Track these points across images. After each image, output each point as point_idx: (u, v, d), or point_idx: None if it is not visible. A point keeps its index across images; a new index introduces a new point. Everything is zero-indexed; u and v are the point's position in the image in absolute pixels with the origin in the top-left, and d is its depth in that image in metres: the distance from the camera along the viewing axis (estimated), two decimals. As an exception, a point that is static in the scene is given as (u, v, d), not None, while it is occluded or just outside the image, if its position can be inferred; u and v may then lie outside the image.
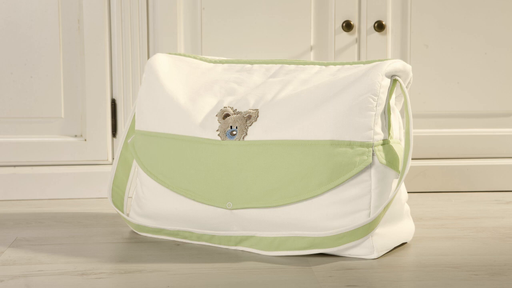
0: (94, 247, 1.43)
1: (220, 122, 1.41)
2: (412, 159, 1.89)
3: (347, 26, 1.87)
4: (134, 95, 1.87)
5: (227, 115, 1.41)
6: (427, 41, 1.91)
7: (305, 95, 1.37)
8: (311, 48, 1.90)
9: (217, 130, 1.40)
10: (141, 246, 1.44)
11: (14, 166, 1.88)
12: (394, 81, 1.37)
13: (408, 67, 1.39)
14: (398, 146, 1.38)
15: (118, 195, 1.57)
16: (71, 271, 1.28)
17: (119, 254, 1.39)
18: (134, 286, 1.21)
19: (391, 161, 1.35)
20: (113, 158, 1.86)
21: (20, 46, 1.85)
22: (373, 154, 1.33)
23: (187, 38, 1.88)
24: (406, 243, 1.44)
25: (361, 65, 1.40)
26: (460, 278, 1.24)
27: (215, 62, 1.54)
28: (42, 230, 1.56)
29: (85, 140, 1.88)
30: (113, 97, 1.88)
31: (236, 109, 1.41)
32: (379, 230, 1.35)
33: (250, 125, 1.39)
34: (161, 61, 1.53)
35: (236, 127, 1.39)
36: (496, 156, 1.95)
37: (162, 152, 1.46)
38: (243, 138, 1.38)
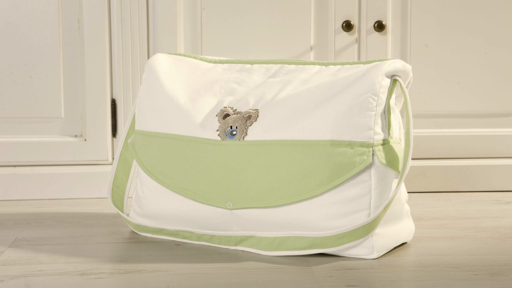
0: (94, 247, 1.43)
1: (220, 122, 1.41)
2: (412, 159, 1.89)
3: (347, 26, 1.87)
4: (134, 95, 1.87)
5: (227, 115, 1.41)
6: (427, 41, 1.91)
7: (305, 95, 1.37)
8: (311, 48, 1.90)
9: (217, 130, 1.40)
10: (141, 246, 1.44)
11: (14, 166, 1.88)
12: (394, 81, 1.37)
13: (408, 67, 1.39)
14: (398, 146, 1.38)
15: (118, 195, 1.57)
16: (71, 271, 1.28)
17: (119, 254, 1.39)
18: (134, 286, 1.21)
19: (391, 161, 1.35)
20: (113, 158, 1.86)
21: (20, 46, 1.85)
22: (373, 154, 1.33)
23: (187, 38, 1.88)
24: (406, 243, 1.44)
25: (361, 65, 1.40)
26: (460, 278, 1.24)
27: (215, 62, 1.54)
28: (42, 230, 1.56)
29: (85, 140, 1.88)
30: (113, 97, 1.88)
31: (236, 109, 1.41)
32: (379, 230, 1.35)
33: (250, 125, 1.39)
34: (161, 61, 1.53)
35: (236, 127, 1.39)
36: (496, 156, 1.95)
37: (162, 152, 1.46)
38: (243, 138, 1.38)
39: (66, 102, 1.88)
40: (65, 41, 1.86)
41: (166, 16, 1.86)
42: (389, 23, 1.90)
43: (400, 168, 1.37)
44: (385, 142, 1.36)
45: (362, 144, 1.33)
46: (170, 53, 1.56)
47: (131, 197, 1.82)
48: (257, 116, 1.39)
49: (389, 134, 1.37)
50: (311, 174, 1.34)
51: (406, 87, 1.41)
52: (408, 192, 1.90)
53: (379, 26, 1.88)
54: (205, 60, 1.55)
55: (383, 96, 1.35)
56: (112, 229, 1.56)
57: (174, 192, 1.44)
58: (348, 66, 1.42)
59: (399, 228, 1.41)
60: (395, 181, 1.37)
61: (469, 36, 1.92)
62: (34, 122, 1.88)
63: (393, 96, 1.39)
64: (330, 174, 1.33)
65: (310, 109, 1.35)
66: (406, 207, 1.44)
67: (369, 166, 1.33)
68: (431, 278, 1.24)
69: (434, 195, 1.91)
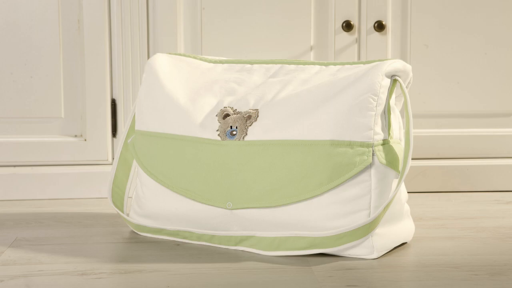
0: (94, 247, 1.43)
1: (220, 122, 1.41)
2: (412, 159, 1.89)
3: (347, 26, 1.87)
4: (134, 95, 1.87)
5: (227, 115, 1.41)
6: (427, 41, 1.91)
7: (305, 95, 1.37)
8: (311, 48, 1.90)
9: (217, 130, 1.40)
10: (141, 246, 1.44)
11: (14, 166, 1.88)
12: (394, 81, 1.37)
13: (408, 67, 1.39)
14: (398, 146, 1.38)
15: (118, 195, 1.57)
16: (71, 271, 1.28)
17: (119, 254, 1.39)
18: (134, 286, 1.21)
19: (391, 161, 1.35)
20: (113, 158, 1.86)
21: (20, 46, 1.85)
22: (373, 154, 1.33)
23: (187, 38, 1.88)
24: (406, 243, 1.44)
25: (361, 65, 1.40)
26: (460, 278, 1.24)
27: (215, 62, 1.54)
28: (42, 230, 1.55)
29: (85, 140, 1.88)
30: (113, 97, 1.88)
31: (236, 109, 1.41)
32: (379, 230, 1.35)
33: (250, 125, 1.39)
34: (161, 61, 1.53)
35: (236, 127, 1.39)
36: (496, 156, 1.95)
37: (162, 152, 1.46)
38: (243, 138, 1.38)
39: (66, 102, 1.88)
40: (65, 41, 1.86)
41: (166, 16, 1.86)
42: (389, 23, 1.90)
43: (400, 168, 1.37)
44: (385, 142, 1.36)
45: (362, 144, 1.33)
46: (170, 53, 1.56)
47: (131, 197, 1.82)
48: (257, 116, 1.39)
49: (389, 134, 1.37)
50: (311, 174, 1.34)
51: (406, 87, 1.41)
52: (408, 192, 1.90)
53: (379, 26, 1.88)
54: (205, 60, 1.55)
55: (383, 96, 1.35)
56: (112, 229, 1.56)
57: (174, 192, 1.44)
58: (348, 66, 1.42)
59: (399, 228, 1.41)
60: (395, 181, 1.37)
61: (469, 36, 1.92)
62: (34, 122, 1.88)
63: (393, 96, 1.39)
64: (330, 174, 1.33)
65: (310, 109, 1.35)
66: (406, 207, 1.44)
67: (369, 166, 1.33)
68: (431, 278, 1.24)
69: (434, 195, 1.91)
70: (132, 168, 1.58)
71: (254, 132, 1.38)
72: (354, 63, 1.42)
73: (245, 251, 1.40)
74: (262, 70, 1.48)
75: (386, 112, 1.37)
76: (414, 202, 1.79)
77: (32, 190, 1.87)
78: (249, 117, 1.39)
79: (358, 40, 1.89)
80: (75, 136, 1.89)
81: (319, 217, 1.34)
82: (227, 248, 1.41)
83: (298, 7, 1.88)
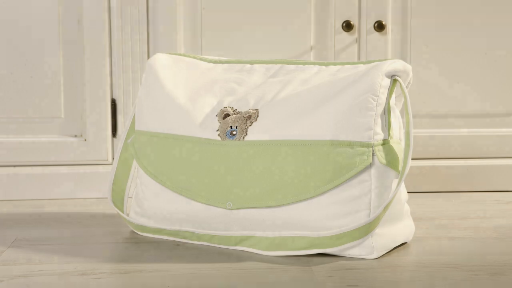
0: (94, 247, 1.43)
1: (220, 122, 1.41)
2: (412, 159, 1.89)
3: (347, 26, 1.87)
4: (134, 95, 1.87)
5: (227, 115, 1.41)
6: (427, 41, 1.91)
7: (305, 95, 1.37)
8: (311, 48, 1.90)
9: (217, 130, 1.41)
10: (141, 246, 1.44)
11: (14, 166, 1.88)
12: (394, 81, 1.37)
13: (408, 67, 1.39)
14: (398, 146, 1.38)
15: (118, 195, 1.57)
16: (71, 271, 1.28)
17: (119, 254, 1.39)
18: (134, 286, 1.21)
19: (391, 161, 1.35)
20: (113, 158, 1.86)
21: (20, 46, 1.85)
22: (373, 154, 1.33)
23: (187, 38, 1.88)
24: (406, 243, 1.44)
25: (361, 65, 1.40)
26: (460, 278, 1.24)
27: (215, 62, 1.54)
28: (42, 230, 1.55)
29: (85, 140, 1.88)
30: (113, 97, 1.88)
31: (236, 109, 1.41)
32: (379, 230, 1.35)
33: (250, 125, 1.39)
34: (161, 61, 1.53)
35: (236, 127, 1.39)
36: (496, 156, 1.95)
37: (162, 152, 1.46)
38: (243, 138, 1.38)
39: (66, 102, 1.88)
40: (65, 41, 1.86)
41: (166, 16, 1.86)
42: (389, 23, 1.89)
43: (400, 168, 1.37)
44: (385, 142, 1.36)
45: (362, 144, 1.33)
46: (170, 53, 1.56)
47: (131, 197, 1.82)
48: (257, 116, 1.39)
49: (389, 134, 1.37)
50: (311, 174, 1.34)
51: (406, 87, 1.41)
52: (408, 192, 1.89)
53: (379, 26, 1.88)
54: (205, 60, 1.55)
55: (383, 96, 1.35)
56: (112, 229, 1.56)
57: (174, 192, 1.44)
58: (348, 66, 1.42)
59: (399, 228, 1.41)
60: (395, 181, 1.37)
61: (469, 36, 1.92)
62: (34, 122, 1.87)
63: (393, 96, 1.39)
64: (330, 174, 1.33)
65: (310, 109, 1.35)
66: (406, 207, 1.44)
67: (369, 166, 1.33)
68: (431, 278, 1.24)
69: (434, 195, 1.91)
70: (132, 168, 1.58)
71: (254, 132, 1.38)
72: (354, 63, 1.42)
73: (245, 251, 1.39)
74: (262, 70, 1.48)
75: (386, 112, 1.37)
76: (414, 202, 1.79)
77: (32, 190, 1.87)
78: (249, 117, 1.39)
79: (358, 40, 1.89)
80: (75, 136, 1.89)
81: (319, 217, 1.34)
82: (227, 248, 1.41)
83: (298, 7, 1.88)
